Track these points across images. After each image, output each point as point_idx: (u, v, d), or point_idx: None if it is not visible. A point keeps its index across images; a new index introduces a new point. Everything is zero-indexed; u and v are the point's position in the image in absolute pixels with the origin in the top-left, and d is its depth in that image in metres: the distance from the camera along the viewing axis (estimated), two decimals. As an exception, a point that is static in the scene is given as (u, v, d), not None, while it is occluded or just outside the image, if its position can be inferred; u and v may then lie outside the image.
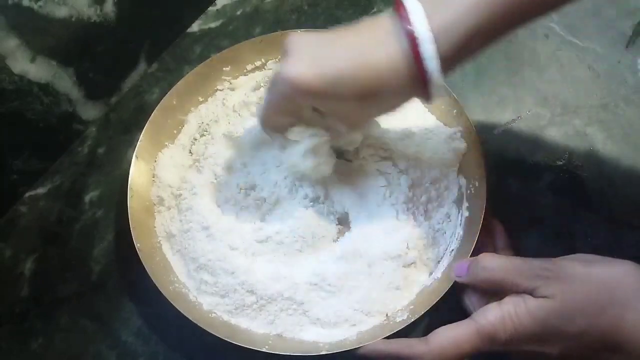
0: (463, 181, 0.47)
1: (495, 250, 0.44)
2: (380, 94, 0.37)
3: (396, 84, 0.37)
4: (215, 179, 0.48)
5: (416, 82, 0.36)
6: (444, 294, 0.41)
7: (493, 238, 0.45)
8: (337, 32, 0.39)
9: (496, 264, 0.38)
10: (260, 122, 0.43)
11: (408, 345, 0.37)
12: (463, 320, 0.37)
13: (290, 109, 0.40)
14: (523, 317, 0.35)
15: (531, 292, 0.36)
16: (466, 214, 0.46)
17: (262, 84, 0.53)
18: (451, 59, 0.36)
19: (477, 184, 0.46)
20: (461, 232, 0.45)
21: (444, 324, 0.38)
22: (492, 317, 0.36)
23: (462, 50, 0.36)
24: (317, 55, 0.37)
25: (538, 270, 0.37)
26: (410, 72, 0.36)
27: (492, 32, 0.36)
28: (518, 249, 0.44)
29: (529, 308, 0.35)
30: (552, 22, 0.59)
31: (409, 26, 0.35)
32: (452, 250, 0.45)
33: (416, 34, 0.35)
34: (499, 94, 0.56)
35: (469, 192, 0.47)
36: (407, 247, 0.44)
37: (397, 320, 0.42)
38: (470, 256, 0.42)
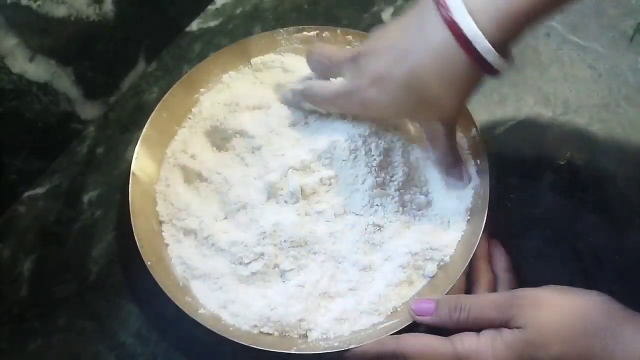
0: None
1: (494, 274, 0.44)
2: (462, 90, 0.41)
3: (458, 72, 0.39)
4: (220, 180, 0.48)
5: (477, 65, 0.38)
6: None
7: (492, 261, 0.45)
8: (406, 45, 0.41)
9: (471, 304, 0.39)
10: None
11: (378, 342, 0.39)
12: (440, 337, 0.38)
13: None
14: (499, 350, 0.36)
15: (507, 324, 0.37)
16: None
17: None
18: (502, 36, 0.37)
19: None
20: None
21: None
22: (468, 345, 0.37)
23: (511, 25, 0.37)
24: (395, 79, 0.41)
25: (511, 300, 0.38)
26: (469, 61, 0.38)
27: (542, 7, 0.37)
28: (518, 269, 0.44)
29: (505, 340, 0.36)
30: (553, 21, 0.59)
31: (449, 18, 0.37)
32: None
33: (464, 30, 0.37)
34: (500, 93, 0.56)
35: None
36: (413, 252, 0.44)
37: (396, 320, 0.42)
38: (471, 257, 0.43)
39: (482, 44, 0.37)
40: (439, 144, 0.46)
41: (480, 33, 0.37)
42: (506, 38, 0.38)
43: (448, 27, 0.37)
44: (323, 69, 0.48)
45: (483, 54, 0.37)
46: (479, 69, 0.39)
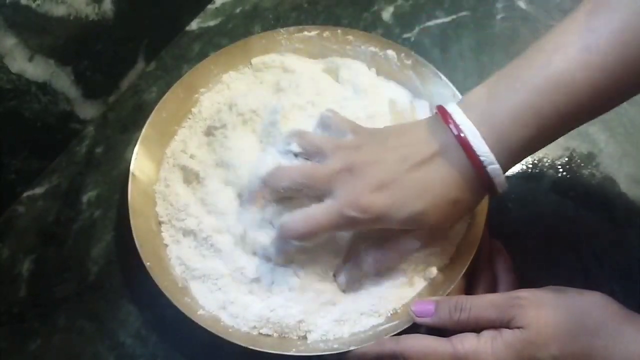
0: None
1: (495, 274, 0.44)
2: (453, 211, 0.40)
3: (469, 200, 0.40)
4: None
5: (483, 188, 0.39)
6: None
7: (492, 261, 0.44)
8: (405, 161, 0.39)
9: (471, 304, 0.38)
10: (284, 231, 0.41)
11: (378, 344, 0.39)
12: (440, 338, 0.38)
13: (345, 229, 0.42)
14: (499, 350, 0.36)
15: (507, 324, 0.37)
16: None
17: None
18: (511, 163, 0.39)
19: None
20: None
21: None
22: (468, 346, 0.37)
23: (519, 155, 0.39)
24: (383, 182, 0.39)
25: (511, 300, 0.37)
26: (481, 188, 0.39)
27: (547, 138, 0.38)
28: (518, 268, 0.44)
29: (505, 340, 0.36)
30: (553, 20, 0.59)
31: (473, 155, 0.37)
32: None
33: (484, 164, 0.37)
34: (501, 93, 0.55)
35: None
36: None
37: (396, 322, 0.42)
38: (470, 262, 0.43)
39: (494, 168, 0.38)
40: (393, 257, 0.43)
41: (492, 156, 0.37)
42: (511, 165, 0.39)
43: (462, 148, 0.37)
44: (299, 189, 0.41)
45: (494, 179, 0.38)
46: (483, 191, 0.40)
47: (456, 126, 0.38)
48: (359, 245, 0.43)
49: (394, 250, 0.42)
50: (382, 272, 0.43)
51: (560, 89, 0.36)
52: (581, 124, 0.39)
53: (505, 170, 0.38)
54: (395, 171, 0.39)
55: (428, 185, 0.38)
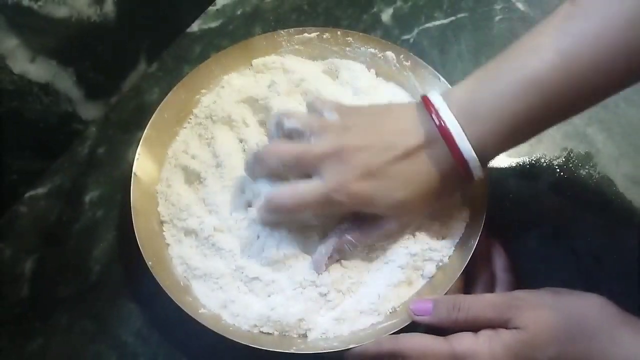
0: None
1: (493, 274, 0.44)
2: (431, 197, 0.42)
3: (448, 188, 0.42)
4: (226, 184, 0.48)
5: (461, 178, 0.41)
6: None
7: (491, 261, 0.45)
8: (395, 139, 0.41)
9: (470, 304, 0.39)
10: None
11: (377, 342, 0.39)
12: (438, 337, 0.38)
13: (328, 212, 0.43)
14: (497, 350, 0.36)
15: (505, 324, 0.37)
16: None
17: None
18: (489, 158, 0.41)
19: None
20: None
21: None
22: (466, 345, 0.37)
23: (497, 151, 0.41)
24: (370, 170, 0.40)
25: (510, 301, 0.38)
26: (459, 178, 0.41)
27: (522, 137, 0.40)
28: (516, 267, 0.44)
29: (503, 340, 0.36)
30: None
31: (456, 150, 0.39)
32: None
33: (465, 157, 0.39)
34: (499, 94, 0.56)
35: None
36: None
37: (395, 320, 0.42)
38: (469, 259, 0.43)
39: (473, 161, 0.40)
40: (372, 236, 0.43)
41: (472, 151, 0.39)
42: (487, 160, 0.41)
43: (441, 134, 0.39)
44: (289, 167, 0.42)
45: (473, 171, 0.40)
46: (461, 180, 0.41)
47: (440, 120, 0.39)
48: (337, 224, 0.44)
49: (373, 229, 0.43)
50: (373, 268, 0.44)
51: (535, 90, 0.37)
52: (557, 123, 0.40)
53: (484, 165, 0.40)
54: (382, 160, 0.40)
55: (412, 176, 0.41)
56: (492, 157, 0.41)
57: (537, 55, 0.37)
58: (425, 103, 0.41)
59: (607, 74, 0.37)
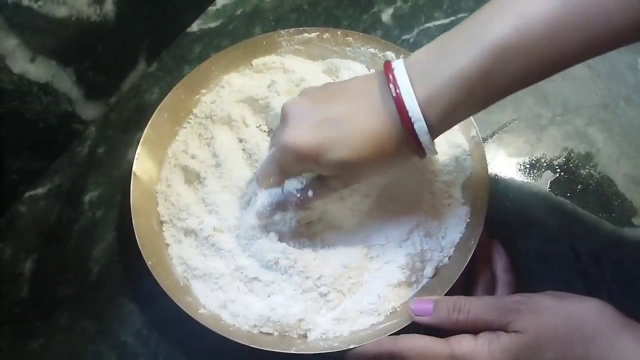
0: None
1: (494, 274, 0.44)
2: (376, 159, 0.39)
3: (390, 149, 0.39)
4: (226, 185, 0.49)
5: (411, 147, 0.39)
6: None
7: (491, 261, 0.45)
8: (332, 96, 0.40)
9: (470, 305, 0.39)
10: (258, 182, 0.45)
11: (377, 343, 0.39)
12: (438, 338, 0.38)
13: (288, 173, 0.43)
14: (496, 353, 0.36)
15: (505, 327, 0.37)
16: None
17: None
18: (439, 125, 0.39)
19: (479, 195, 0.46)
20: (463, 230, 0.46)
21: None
22: (465, 347, 0.37)
23: (448, 118, 0.38)
24: (315, 121, 0.39)
25: (510, 304, 0.38)
26: (404, 141, 0.39)
27: (475, 105, 0.39)
28: (517, 267, 0.44)
29: (502, 343, 0.36)
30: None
31: (401, 104, 0.37)
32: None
33: (410, 113, 0.37)
34: (499, 94, 0.56)
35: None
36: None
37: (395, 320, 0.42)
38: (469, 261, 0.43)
39: (426, 140, 0.38)
40: (319, 194, 0.44)
41: (420, 114, 0.37)
42: (440, 127, 0.39)
43: (401, 116, 0.38)
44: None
45: (420, 137, 0.38)
46: (408, 152, 0.40)
47: (394, 82, 0.38)
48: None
49: (318, 188, 0.43)
50: (373, 268, 0.45)
51: (489, 57, 0.36)
52: (513, 91, 0.38)
53: (434, 132, 0.38)
54: (331, 116, 0.39)
55: (360, 135, 0.39)
56: (443, 125, 0.39)
57: (492, 24, 0.36)
58: (385, 66, 0.40)
59: (566, 39, 0.35)
